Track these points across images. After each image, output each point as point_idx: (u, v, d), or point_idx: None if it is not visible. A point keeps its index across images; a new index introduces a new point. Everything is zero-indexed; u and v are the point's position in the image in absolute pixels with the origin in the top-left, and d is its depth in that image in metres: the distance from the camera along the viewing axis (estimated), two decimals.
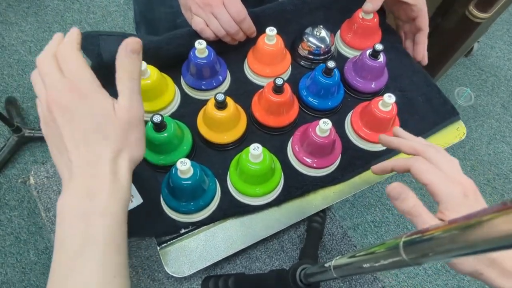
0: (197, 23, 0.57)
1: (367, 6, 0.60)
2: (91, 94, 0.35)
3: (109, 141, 0.34)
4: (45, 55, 0.36)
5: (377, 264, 0.31)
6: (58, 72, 0.35)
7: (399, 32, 0.71)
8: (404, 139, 0.46)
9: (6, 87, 1.53)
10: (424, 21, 0.63)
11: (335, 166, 0.57)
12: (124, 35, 0.57)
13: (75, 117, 0.33)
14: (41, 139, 1.42)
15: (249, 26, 0.59)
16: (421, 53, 0.67)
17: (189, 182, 0.46)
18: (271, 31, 0.57)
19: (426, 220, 0.38)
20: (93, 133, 0.33)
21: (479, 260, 0.35)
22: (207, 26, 0.57)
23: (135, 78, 0.37)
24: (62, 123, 0.33)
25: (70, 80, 0.34)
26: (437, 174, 0.40)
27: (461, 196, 0.39)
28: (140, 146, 0.37)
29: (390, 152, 0.59)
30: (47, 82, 0.35)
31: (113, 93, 0.60)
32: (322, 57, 0.64)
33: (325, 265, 0.39)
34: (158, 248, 0.52)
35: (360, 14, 0.63)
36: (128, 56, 0.37)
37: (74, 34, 0.38)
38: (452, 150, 1.59)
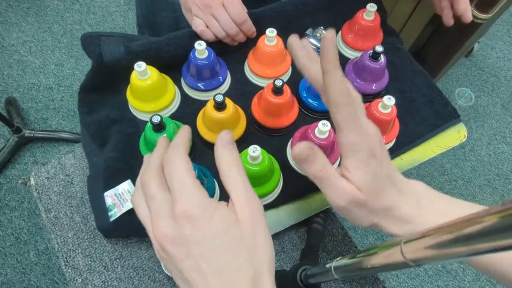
0: (197, 24, 0.57)
1: None
2: (206, 218, 0.28)
3: (242, 267, 0.28)
4: (150, 172, 0.31)
5: (378, 265, 0.31)
6: (164, 195, 0.30)
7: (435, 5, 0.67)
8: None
9: (6, 88, 1.53)
10: None
11: (335, 168, 0.57)
12: (125, 36, 0.58)
13: (192, 250, 0.27)
14: (41, 140, 1.42)
15: (250, 27, 0.59)
16: (463, 7, 0.61)
17: None
18: (271, 32, 0.57)
19: (335, 182, 0.34)
20: (224, 259, 0.27)
21: (375, 214, 0.35)
22: (207, 27, 0.57)
23: (242, 167, 0.32)
24: (178, 258, 0.28)
25: (180, 205, 0.28)
26: (350, 121, 0.34)
27: (370, 155, 0.34)
28: (270, 248, 0.30)
29: (391, 153, 0.59)
30: (152, 209, 0.30)
31: (113, 92, 0.60)
32: None
33: (326, 266, 0.39)
34: None
35: (361, 14, 0.63)
36: (226, 147, 0.32)
37: (183, 137, 0.33)
38: (452, 150, 1.59)
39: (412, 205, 0.36)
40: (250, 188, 0.31)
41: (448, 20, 0.65)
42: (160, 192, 0.30)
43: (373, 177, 0.34)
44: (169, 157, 0.31)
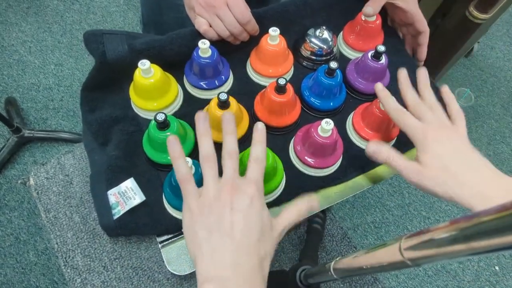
0: (200, 24, 0.57)
1: (367, 9, 0.60)
2: (262, 203, 0.38)
3: (263, 245, 0.36)
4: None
5: (377, 265, 0.31)
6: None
7: (399, 33, 0.71)
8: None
9: (6, 87, 1.52)
10: (421, 24, 0.64)
11: (337, 167, 0.57)
12: (128, 34, 0.57)
13: (244, 211, 0.35)
14: (41, 140, 1.42)
15: (253, 26, 0.59)
16: (424, 54, 0.67)
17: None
18: (274, 31, 0.57)
19: (401, 162, 0.47)
20: (254, 233, 0.35)
21: (449, 186, 0.43)
22: (211, 27, 0.57)
23: (297, 222, 0.40)
24: (231, 206, 0.35)
25: (249, 180, 0.38)
26: (414, 122, 0.48)
27: (433, 141, 0.46)
28: (273, 252, 0.38)
29: None
30: (227, 175, 0.38)
31: (116, 90, 0.60)
32: (325, 58, 0.64)
33: (325, 266, 0.40)
34: (159, 246, 0.52)
35: (362, 16, 0.63)
36: (308, 212, 0.40)
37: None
38: None
39: (488, 181, 0.43)
40: (286, 230, 0.39)
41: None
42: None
43: (432, 156, 0.45)
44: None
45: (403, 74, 0.54)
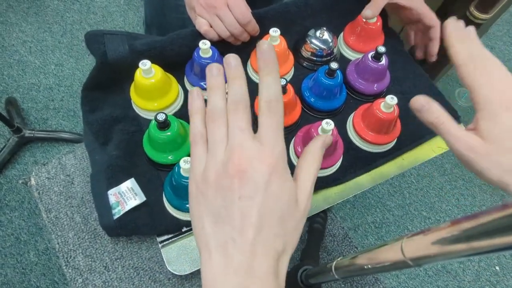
0: (200, 24, 0.57)
1: (366, 12, 0.60)
2: (283, 179, 0.28)
3: (282, 238, 0.28)
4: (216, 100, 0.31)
5: (378, 266, 0.31)
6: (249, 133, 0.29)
7: (408, 32, 0.70)
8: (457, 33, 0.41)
9: (6, 88, 1.52)
10: (429, 19, 0.62)
11: (337, 167, 0.57)
12: (129, 34, 0.58)
13: (257, 195, 0.27)
14: (41, 140, 1.42)
15: (254, 27, 0.59)
16: (436, 48, 0.64)
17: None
18: (274, 32, 0.57)
19: (451, 129, 0.37)
20: (272, 224, 0.28)
21: (505, 171, 0.34)
22: (211, 27, 0.57)
23: (319, 170, 0.33)
24: (239, 193, 0.27)
25: (264, 146, 0.28)
26: (480, 77, 0.37)
27: (502, 107, 0.35)
28: (298, 238, 0.31)
29: (393, 153, 0.59)
30: (232, 139, 0.29)
31: (117, 91, 0.60)
32: (325, 59, 0.64)
33: (327, 266, 0.40)
34: (159, 246, 0.52)
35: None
36: (323, 150, 0.33)
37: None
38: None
39: None
40: (313, 188, 0.32)
41: (420, 55, 0.69)
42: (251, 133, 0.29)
43: (501, 129, 0.35)
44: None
45: (450, 23, 0.42)
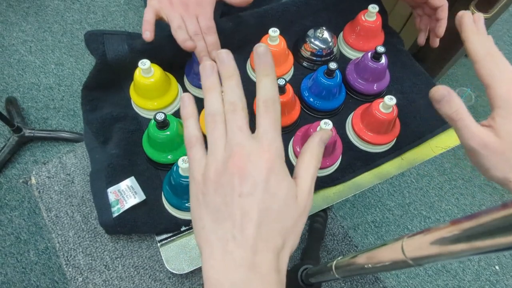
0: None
1: None
2: (282, 176, 0.29)
3: (281, 233, 0.29)
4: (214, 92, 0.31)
5: (379, 265, 0.31)
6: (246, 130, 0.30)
7: (415, 17, 0.68)
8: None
9: (6, 87, 1.52)
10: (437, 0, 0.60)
11: (336, 167, 0.57)
12: (129, 34, 0.58)
13: (256, 192, 0.28)
14: (42, 139, 1.42)
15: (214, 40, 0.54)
16: (443, 29, 0.63)
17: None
18: (274, 32, 0.57)
19: (468, 124, 0.37)
20: (271, 220, 0.28)
21: (511, 169, 0.35)
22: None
23: (318, 167, 0.33)
24: (239, 190, 0.28)
25: (262, 144, 0.29)
26: (499, 74, 0.38)
27: None
28: (299, 234, 0.31)
29: (392, 153, 0.59)
30: (231, 138, 0.29)
31: (116, 90, 0.60)
32: (324, 58, 0.64)
33: (327, 265, 0.40)
34: (158, 245, 0.52)
35: (362, 16, 0.63)
36: (321, 146, 0.34)
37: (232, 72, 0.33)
38: (452, 150, 1.59)
39: None
40: (313, 185, 0.32)
41: (423, 40, 0.67)
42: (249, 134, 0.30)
43: None
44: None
45: (467, 15, 0.42)
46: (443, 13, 0.61)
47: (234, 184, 0.28)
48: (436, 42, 0.65)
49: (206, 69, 0.32)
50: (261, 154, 0.28)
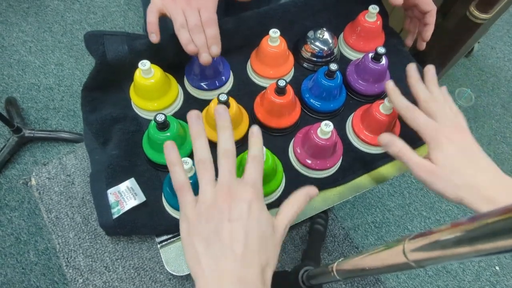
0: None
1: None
2: (262, 204, 0.36)
3: (264, 253, 0.34)
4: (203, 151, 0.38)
5: (380, 267, 0.31)
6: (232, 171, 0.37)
7: (404, 19, 0.69)
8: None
9: (6, 87, 1.52)
10: (425, 4, 0.61)
11: (336, 168, 0.57)
12: (129, 35, 0.57)
13: (243, 219, 0.34)
14: (41, 140, 1.42)
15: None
16: (429, 34, 0.65)
17: (191, 181, 0.46)
18: (274, 32, 0.57)
19: (412, 157, 0.46)
20: (256, 241, 0.33)
21: (459, 188, 0.42)
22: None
23: (298, 213, 0.39)
24: (228, 216, 0.34)
25: (247, 184, 0.36)
26: (426, 120, 0.47)
27: (445, 139, 0.45)
28: (277, 257, 0.37)
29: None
30: (222, 180, 0.36)
31: (116, 91, 0.60)
32: (325, 59, 0.64)
33: (328, 267, 0.40)
34: (158, 246, 0.52)
35: (363, 16, 0.63)
36: (306, 199, 0.39)
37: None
38: None
39: (495, 185, 0.43)
40: (290, 224, 0.38)
41: (410, 42, 0.70)
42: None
43: (447, 156, 0.44)
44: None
45: (412, 68, 0.53)
46: (431, 18, 0.63)
47: (224, 211, 0.34)
48: (422, 46, 0.67)
49: (192, 118, 0.39)
50: (246, 189, 0.35)
